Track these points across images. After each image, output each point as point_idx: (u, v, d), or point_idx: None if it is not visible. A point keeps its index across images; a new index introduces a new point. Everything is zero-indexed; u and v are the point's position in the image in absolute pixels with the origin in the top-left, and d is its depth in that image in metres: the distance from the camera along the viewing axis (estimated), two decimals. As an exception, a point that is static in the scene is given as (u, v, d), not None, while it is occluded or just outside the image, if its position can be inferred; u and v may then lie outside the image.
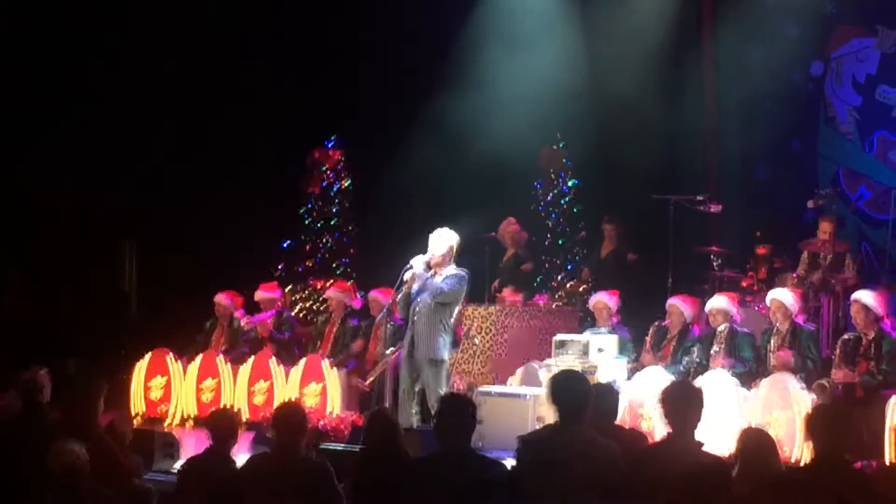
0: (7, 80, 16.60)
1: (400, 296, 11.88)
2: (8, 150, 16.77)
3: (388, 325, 13.69)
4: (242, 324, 14.68)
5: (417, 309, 11.66)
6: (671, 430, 7.54)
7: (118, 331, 16.98)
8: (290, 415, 8.11)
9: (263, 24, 16.64)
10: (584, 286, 14.79)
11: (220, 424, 8.62)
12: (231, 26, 16.67)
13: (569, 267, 15.74)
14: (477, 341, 13.04)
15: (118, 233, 17.88)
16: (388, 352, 13.45)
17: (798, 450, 10.70)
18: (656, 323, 13.16)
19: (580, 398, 7.37)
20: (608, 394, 8.59)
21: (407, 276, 11.64)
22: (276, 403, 13.27)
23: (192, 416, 14.50)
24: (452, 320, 11.78)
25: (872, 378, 11.66)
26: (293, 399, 12.56)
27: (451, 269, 11.84)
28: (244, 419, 13.46)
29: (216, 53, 16.69)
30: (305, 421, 8.08)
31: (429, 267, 11.73)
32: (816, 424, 7.11)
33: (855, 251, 14.45)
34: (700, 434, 7.53)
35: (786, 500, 6.86)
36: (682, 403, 7.57)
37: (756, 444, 7.39)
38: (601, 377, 12.15)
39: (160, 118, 16.68)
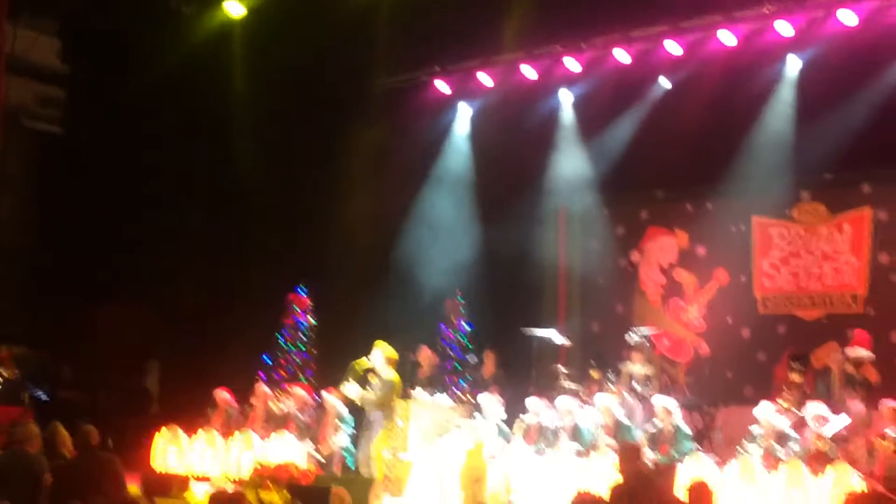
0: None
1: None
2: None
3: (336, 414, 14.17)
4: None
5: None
6: None
7: (144, 416, 17.18)
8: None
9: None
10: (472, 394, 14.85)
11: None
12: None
13: (461, 382, 15.88)
14: (400, 423, 13.32)
15: (146, 354, 18.25)
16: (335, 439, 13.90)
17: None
18: (521, 416, 13.70)
19: None
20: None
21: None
22: (256, 465, 13.57)
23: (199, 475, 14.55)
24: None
25: (669, 458, 12.32)
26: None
27: (386, 372, 12.44)
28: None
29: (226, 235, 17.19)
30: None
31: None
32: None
33: (659, 375, 14.99)
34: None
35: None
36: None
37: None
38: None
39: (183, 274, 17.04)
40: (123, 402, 17.50)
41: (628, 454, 8.20)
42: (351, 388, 12.48)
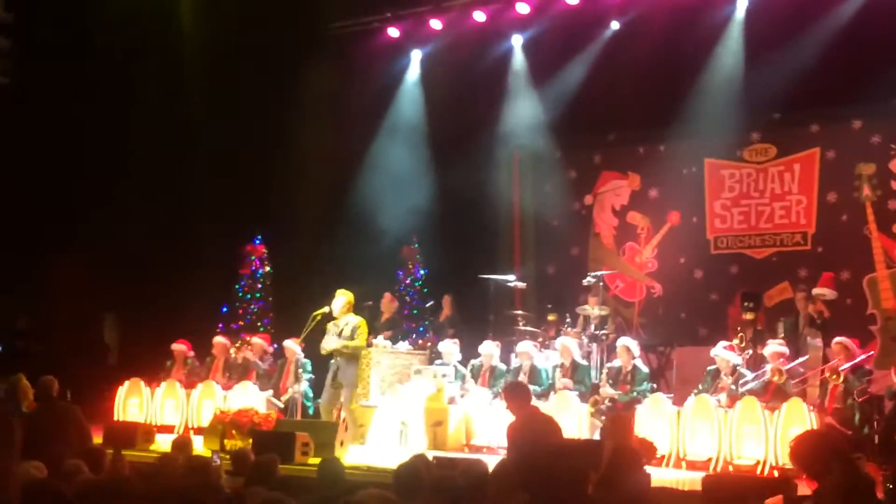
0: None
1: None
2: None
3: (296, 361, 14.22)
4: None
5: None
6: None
7: (102, 368, 17.14)
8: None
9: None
10: (431, 341, 15.02)
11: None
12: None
13: (420, 329, 15.97)
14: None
15: (102, 305, 18.19)
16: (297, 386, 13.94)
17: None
18: (473, 361, 13.85)
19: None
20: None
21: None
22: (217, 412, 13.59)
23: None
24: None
25: (627, 395, 12.55)
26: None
27: (351, 318, 12.46)
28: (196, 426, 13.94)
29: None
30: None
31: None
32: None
33: (613, 317, 15.24)
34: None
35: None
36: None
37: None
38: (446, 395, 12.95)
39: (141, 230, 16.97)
40: (80, 353, 17.39)
41: (513, 393, 8.41)
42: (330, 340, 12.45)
